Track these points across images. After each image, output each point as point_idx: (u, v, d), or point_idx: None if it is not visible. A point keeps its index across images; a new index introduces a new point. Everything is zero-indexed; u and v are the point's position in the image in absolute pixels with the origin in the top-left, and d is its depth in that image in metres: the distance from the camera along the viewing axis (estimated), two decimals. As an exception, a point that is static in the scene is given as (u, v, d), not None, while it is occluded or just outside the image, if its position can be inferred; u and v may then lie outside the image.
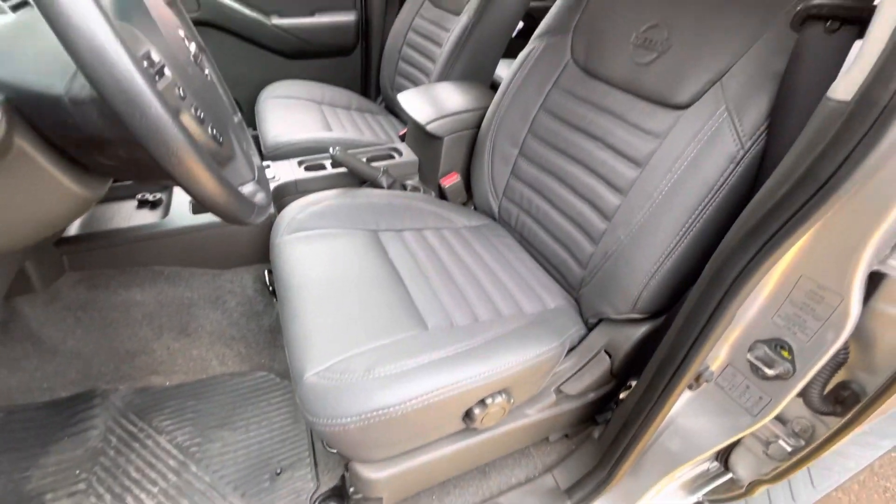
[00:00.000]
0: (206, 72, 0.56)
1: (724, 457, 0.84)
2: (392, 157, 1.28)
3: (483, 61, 1.41)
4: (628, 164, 0.78)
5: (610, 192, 0.80)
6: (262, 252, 1.10)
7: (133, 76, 0.33)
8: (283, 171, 1.15)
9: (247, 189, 0.58)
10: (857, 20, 0.50)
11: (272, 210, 1.05)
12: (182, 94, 0.44)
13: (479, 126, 1.11)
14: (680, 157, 0.68)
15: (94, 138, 0.41)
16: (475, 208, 1.15)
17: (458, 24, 1.36)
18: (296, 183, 1.14)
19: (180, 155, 0.37)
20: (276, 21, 1.65)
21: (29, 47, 0.40)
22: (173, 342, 1.08)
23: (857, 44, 0.46)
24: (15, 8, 0.51)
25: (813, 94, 0.46)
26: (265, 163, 1.18)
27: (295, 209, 0.95)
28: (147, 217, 1.01)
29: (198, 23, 1.59)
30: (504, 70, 1.58)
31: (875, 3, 0.53)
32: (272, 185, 1.10)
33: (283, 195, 1.13)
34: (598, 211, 0.82)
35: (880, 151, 0.40)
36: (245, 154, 0.61)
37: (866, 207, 0.45)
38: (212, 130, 0.48)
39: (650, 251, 0.70)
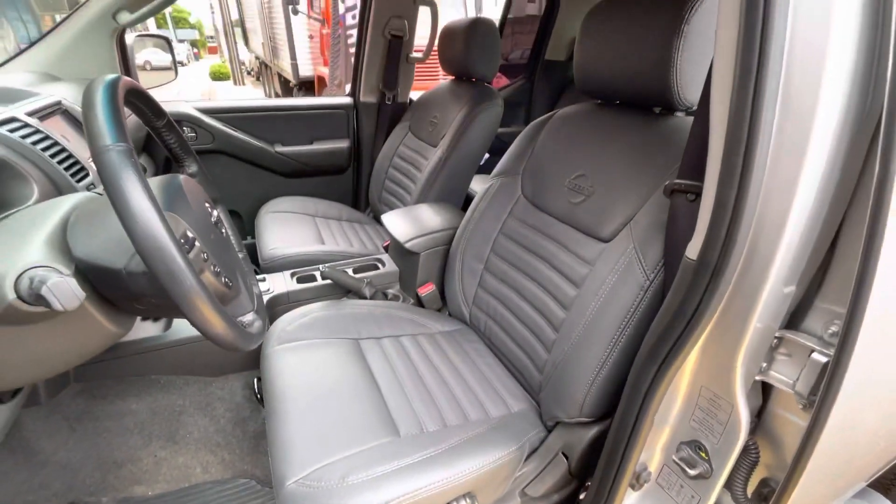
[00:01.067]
0: (223, 230, 0.71)
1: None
2: (376, 267, 1.44)
3: (455, 185, 1.65)
4: (569, 284, 0.92)
5: (557, 306, 0.94)
6: (253, 360, 1.19)
7: (176, 259, 0.48)
8: (276, 284, 1.29)
9: (247, 318, 0.71)
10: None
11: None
12: (205, 257, 0.59)
13: (450, 243, 1.28)
14: (604, 282, 0.83)
15: (137, 295, 0.55)
16: (449, 314, 1.28)
17: (435, 154, 1.61)
18: (288, 294, 1.27)
19: (200, 308, 0.51)
20: (279, 149, 1.92)
21: (103, 230, 0.55)
22: (161, 450, 1.12)
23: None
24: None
25: (683, 246, 0.61)
26: (261, 276, 1.32)
27: (285, 321, 1.07)
28: (150, 329, 1.12)
29: (212, 151, 1.84)
30: (477, 185, 1.83)
31: None
32: (267, 297, 1.23)
33: (276, 305, 1.26)
34: (549, 322, 0.95)
35: (719, 297, 0.55)
36: (248, 288, 0.75)
37: (730, 333, 0.59)
38: (224, 279, 0.62)
39: (588, 361, 0.82)
